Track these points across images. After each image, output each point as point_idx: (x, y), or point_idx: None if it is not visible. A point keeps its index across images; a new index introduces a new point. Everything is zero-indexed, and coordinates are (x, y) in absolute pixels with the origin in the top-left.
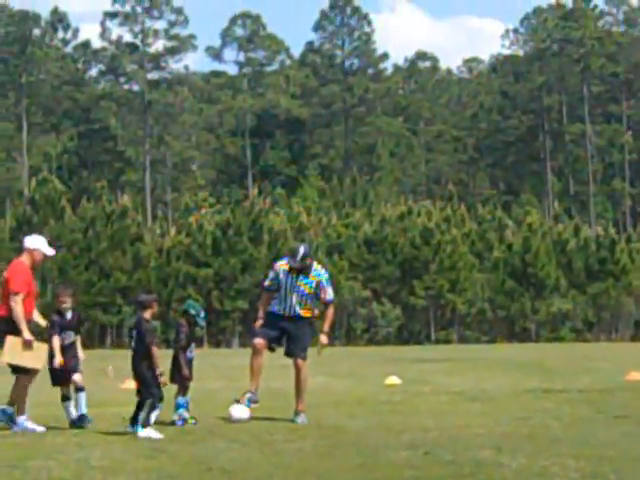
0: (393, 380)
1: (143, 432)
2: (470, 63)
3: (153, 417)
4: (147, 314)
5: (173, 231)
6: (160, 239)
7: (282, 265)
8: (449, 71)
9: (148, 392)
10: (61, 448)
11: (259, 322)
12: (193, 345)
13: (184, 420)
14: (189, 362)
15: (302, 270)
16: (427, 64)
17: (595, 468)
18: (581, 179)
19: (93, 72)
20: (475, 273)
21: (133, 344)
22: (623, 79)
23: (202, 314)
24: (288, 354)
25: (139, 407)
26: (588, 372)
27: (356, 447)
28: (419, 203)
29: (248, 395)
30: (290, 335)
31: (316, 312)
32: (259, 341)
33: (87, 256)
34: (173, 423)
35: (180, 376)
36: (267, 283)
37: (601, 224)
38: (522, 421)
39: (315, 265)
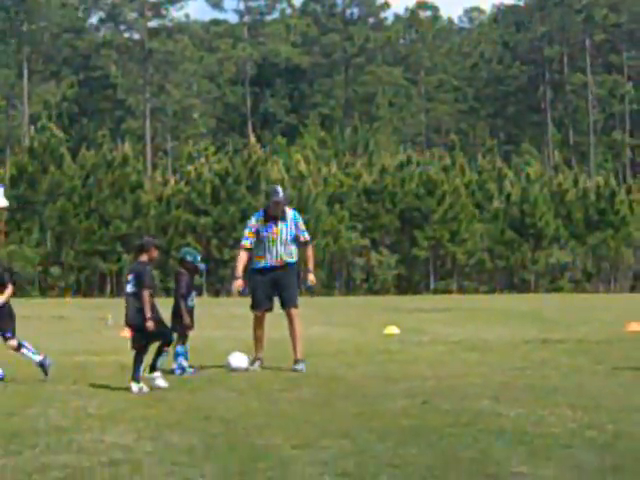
0: (392, 329)
1: (134, 386)
2: (471, 13)
3: (140, 369)
4: (144, 257)
5: (173, 180)
6: (160, 187)
7: (258, 220)
8: (450, 21)
9: (162, 333)
10: (60, 396)
11: (239, 282)
12: (193, 294)
13: (183, 369)
14: (190, 311)
15: (278, 217)
16: (427, 14)
17: (592, 418)
18: (581, 130)
19: (94, 20)
20: (475, 223)
21: (129, 288)
22: (625, 29)
23: (198, 258)
24: (282, 305)
25: (158, 352)
26: (587, 323)
27: (354, 396)
28: (423, 152)
29: (257, 363)
30: (280, 286)
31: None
32: (258, 313)
33: (87, 204)
34: (172, 372)
35: (181, 325)
36: (246, 242)
37: (601, 175)
38: (520, 371)
39: (286, 209)
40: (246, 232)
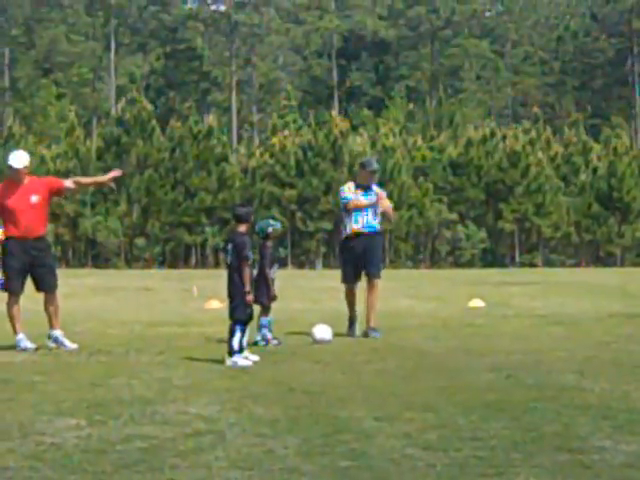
0: (477, 303)
1: (229, 361)
2: None
3: (236, 342)
4: (242, 227)
5: (258, 152)
6: (245, 159)
7: (349, 187)
8: None
9: (241, 311)
10: (144, 367)
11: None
12: (276, 266)
13: (267, 341)
14: (272, 282)
15: (367, 187)
16: None
17: None
18: None
19: None
20: (560, 196)
21: (229, 259)
22: None
23: (271, 222)
24: (367, 274)
25: (231, 333)
26: None
27: (438, 370)
28: (506, 126)
29: (354, 327)
30: (367, 255)
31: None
32: (349, 285)
33: (173, 177)
34: (256, 344)
35: (266, 296)
36: (347, 204)
37: None
38: (605, 346)
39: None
40: (341, 196)
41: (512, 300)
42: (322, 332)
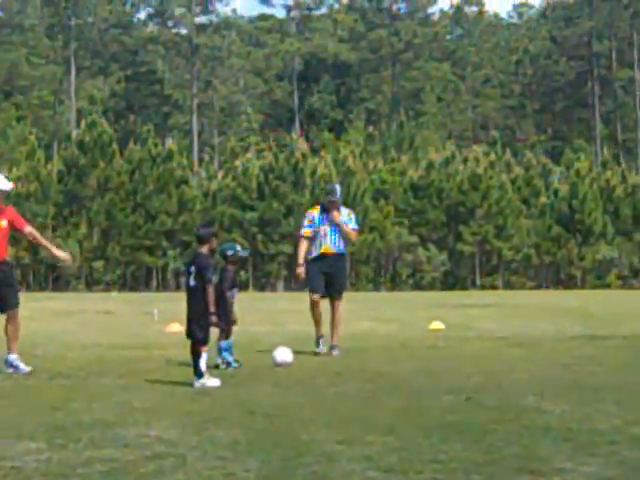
0: (437, 325)
1: (197, 383)
2: (520, 8)
3: (204, 364)
4: (204, 249)
5: (219, 175)
6: (206, 182)
7: (315, 210)
8: (496, 16)
9: (203, 332)
10: (105, 390)
11: (301, 269)
12: (235, 290)
13: (228, 363)
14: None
15: (334, 208)
16: (474, 9)
17: (638, 415)
18: (629, 126)
19: (141, 15)
20: (521, 219)
21: (192, 282)
22: None
23: (238, 247)
24: (329, 295)
25: (198, 355)
26: (633, 319)
27: (399, 392)
28: (467, 149)
29: (320, 341)
30: (332, 276)
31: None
32: (316, 297)
33: (133, 199)
34: (217, 367)
35: (224, 320)
36: (306, 231)
37: None
38: (566, 367)
39: (342, 207)
40: (304, 220)
41: (472, 322)
42: (283, 355)
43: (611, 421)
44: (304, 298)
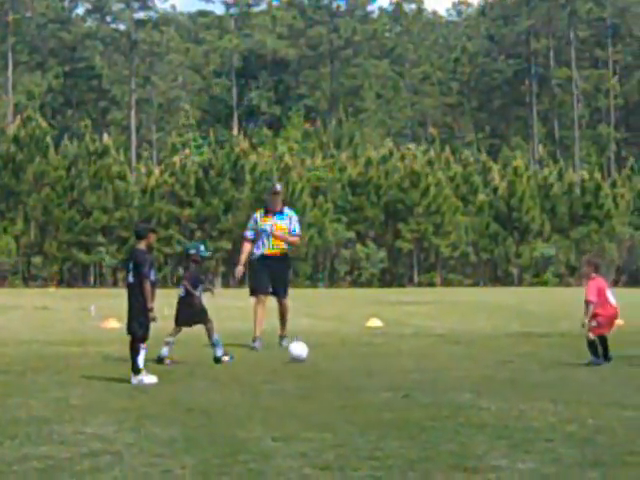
0: (375, 322)
1: (134, 379)
2: (459, 6)
3: (141, 360)
4: (142, 244)
5: (157, 171)
6: (144, 178)
7: (259, 212)
8: (435, 14)
9: (142, 329)
10: (41, 387)
11: (240, 269)
12: (201, 287)
13: (160, 358)
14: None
15: (276, 211)
16: (412, 7)
17: (573, 412)
18: (566, 124)
19: (79, 11)
20: (459, 216)
21: (130, 278)
22: (609, 24)
23: (201, 247)
24: (274, 293)
25: (136, 351)
26: (569, 317)
27: (336, 389)
28: (404, 146)
29: (256, 343)
30: (276, 275)
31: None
32: (261, 295)
33: (70, 195)
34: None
35: (191, 320)
36: (249, 232)
37: (585, 169)
38: (502, 365)
39: (285, 207)
40: (249, 222)
41: (410, 319)
42: (299, 349)
43: (547, 419)
44: (242, 295)
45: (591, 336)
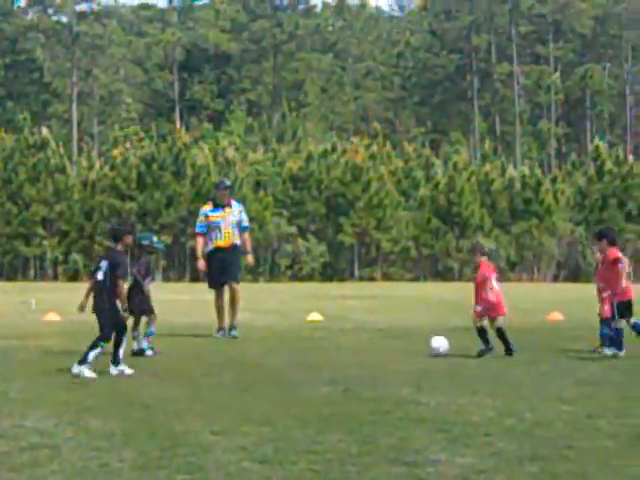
0: (315, 316)
1: (76, 368)
2: (402, 1)
3: (93, 356)
4: (119, 246)
5: (98, 164)
6: (85, 171)
7: (208, 206)
8: (378, 9)
9: (108, 328)
10: None
11: (201, 262)
12: (149, 278)
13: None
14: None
15: (224, 205)
16: (356, 1)
17: (511, 406)
18: (507, 119)
19: (21, 3)
20: (400, 211)
21: (100, 276)
22: (551, 20)
23: (154, 238)
24: (226, 280)
25: (93, 346)
26: (509, 311)
27: (276, 383)
28: (349, 140)
29: (220, 333)
30: (227, 264)
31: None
32: (218, 287)
33: (8, 188)
34: (140, 353)
35: (142, 308)
36: (201, 227)
37: (526, 164)
38: (442, 359)
39: (232, 199)
40: (199, 217)
41: (351, 314)
42: (439, 341)
43: (485, 413)
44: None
45: (478, 323)
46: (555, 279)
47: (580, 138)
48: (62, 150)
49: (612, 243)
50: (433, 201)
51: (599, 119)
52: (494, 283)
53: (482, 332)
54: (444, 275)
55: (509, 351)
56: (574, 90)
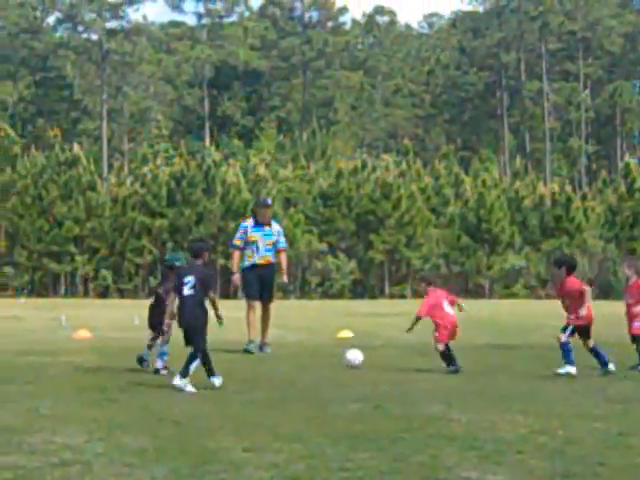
0: (346, 333)
1: (179, 381)
2: (430, 18)
3: (193, 368)
4: (200, 261)
5: (129, 181)
6: (115, 189)
7: (248, 222)
8: (407, 26)
9: (202, 339)
10: (12, 397)
11: (237, 276)
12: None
13: (167, 368)
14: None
15: (265, 223)
16: (385, 19)
17: (543, 424)
18: (537, 136)
19: (51, 20)
20: (430, 228)
21: (190, 291)
22: (580, 37)
23: (182, 257)
24: (261, 298)
25: (192, 357)
26: (539, 329)
27: (306, 400)
28: (379, 157)
29: (251, 345)
30: (264, 283)
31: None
32: (254, 302)
33: (39, 204)
34: (157, 372)
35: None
36: (237, 242)
37: (557, 182)
38: (472, 376)
39: (272, 221)
40: (238, 232)
41: (380, 331)
42: (355, 355)
43: (517, 430)
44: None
45: (440, 347)
46: None
47: (610, 155)
48: (93, 167)
49: (572, 270)
50: (463, 218)
51: (629, 136)
52: (446, 308)
53: (444, 355)
54: (474, 292)
55: (455, 369)
56: (604, 107)
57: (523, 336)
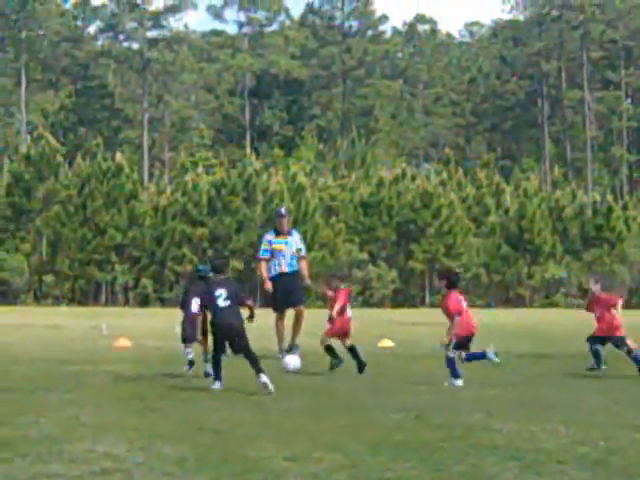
0: (387, 342)
1: (264, 378)
2: (471, 27)
3: (260, 362)
4: (224, 275)
5: (169, 190)
6: (156, 197)
7: (271, 234)
8: (448, 34)
9: (247, 340)
10: (52, 405)
11: (268, 283)
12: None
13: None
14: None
15: (286, 233)
16: (426, 27)
17: (585, 434)
18: (578, 145)
19: (92, 29)
20: (471, 238)
21: (226, 302)
22: (622, 46)
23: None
24: (292, 304)
25: (253, 361)
26: (581, 338)
27: (346, 409)
28: (421, 167)
29: (282, 355)
30: (292, 289)
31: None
32: (280, 314)
33: (82, 213)
34: (207, 375)
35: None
36: (265, 253)
37: (598, 191)
38: (513, 386)
39: (293, 229)
40: (262, 244)
41: (421, 340)
42: (294, 360)
43: (558, 440)
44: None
45: (326, 340)
46: (626, 306)
47: None
48: (136, 176)
49: (452, 285)
50: (504, 228)
51: None
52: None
53: (329, 349)
54: (515, 302)
55: (361, 368)
56: None
57: (564, 346)
